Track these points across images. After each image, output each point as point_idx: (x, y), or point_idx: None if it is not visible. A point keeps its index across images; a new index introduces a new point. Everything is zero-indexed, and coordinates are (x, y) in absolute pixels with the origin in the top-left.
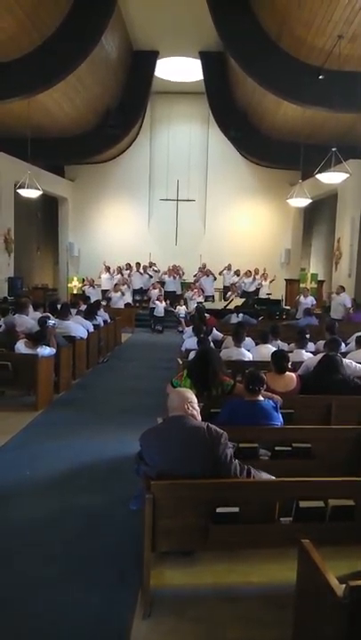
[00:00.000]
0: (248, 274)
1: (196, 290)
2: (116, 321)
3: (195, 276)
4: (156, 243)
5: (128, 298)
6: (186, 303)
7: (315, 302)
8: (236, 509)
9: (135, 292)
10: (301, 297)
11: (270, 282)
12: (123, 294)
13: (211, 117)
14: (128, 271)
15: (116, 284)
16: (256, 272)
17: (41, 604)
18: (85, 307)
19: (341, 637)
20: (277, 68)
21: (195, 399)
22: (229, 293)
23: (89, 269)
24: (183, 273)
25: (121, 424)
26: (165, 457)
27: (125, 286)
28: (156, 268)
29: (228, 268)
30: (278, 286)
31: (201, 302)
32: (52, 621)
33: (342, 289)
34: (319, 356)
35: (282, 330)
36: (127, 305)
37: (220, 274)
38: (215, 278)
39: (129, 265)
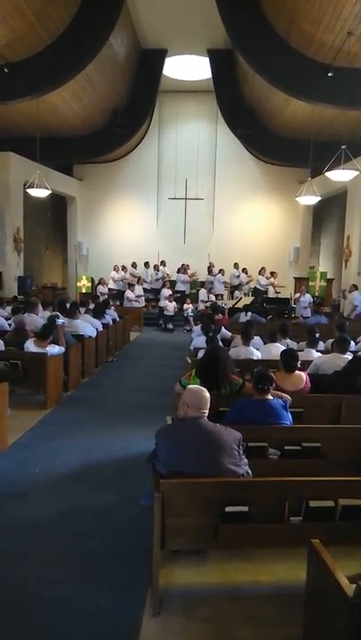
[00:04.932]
0: (262, 272)
1: (208, 289)
2: (124, 320)
3: (209, 273)
4: (164, 241)
5: (141, 298)
6: (193, 302)
7: (311, 300)
8: (245, 508)
9: (145, 291)
10: (300, 295)
11: (271, 281)
12: (136, 293)
13: (219, 115)
14: (137, 270)
15: (130, 284)
16: (264, 270)
17: (51, 602)
18: (94, 305)
19: (352, 637)
20: (286, 65)
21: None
22: (236, 292)
23: (98, 268)
24: (194, 273)
25: (130, 423)
26: (180, 459)
27: (139, 286)
28: (165, 269)
29: (236, 266)
30: (287, 284)
31: (210, 301)
32: (62, 619)
33: (355, 287)
34: (329, 355)
35: (291, 328)
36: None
37: (223, 274)
38: (223, 274)
39: (135, 264)
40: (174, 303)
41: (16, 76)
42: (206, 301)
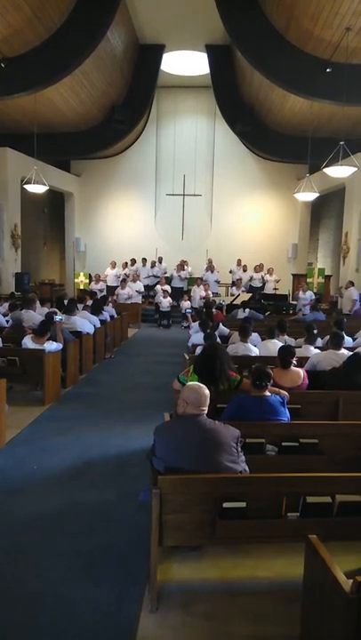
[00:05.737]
0: (257, 269)
1: (204, 285)
2: (122, 316)
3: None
4: (162, 238)
5: (136, 295)
6: (190, 298)
7: (313, 297)
8: (242, 504)
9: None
10: (300, 292)
11: (252, 275)
12: (130, 290)
13: (217, 111)
14: (134, 267)
15: (123, 280)
16: (261, 267)
17: (49, 598)
18: (92, 302)
19: (350, 633)
20: (285, 61)
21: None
22: (234, 289)
23: (95, 265)
24: (191, 269)
25: (128, 419)
26: (179, 456)
27: (134, 282)
28: (162, 266)
29: (239, 263)
30: (285, 281)
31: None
32: (60, 616)
33: (351, 283)
34: (326, 352)
35: (289, 325)
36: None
37: (213, 271)
38: (212, 272)
39: (134, 260)
40: (169, 299)
41: (13, 71)
42: (203, 298)
